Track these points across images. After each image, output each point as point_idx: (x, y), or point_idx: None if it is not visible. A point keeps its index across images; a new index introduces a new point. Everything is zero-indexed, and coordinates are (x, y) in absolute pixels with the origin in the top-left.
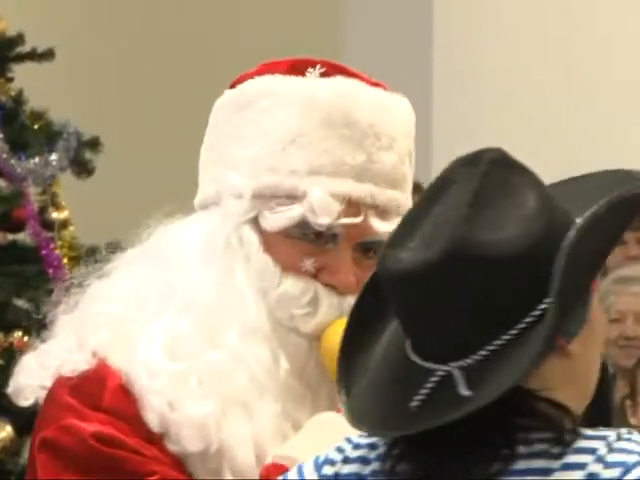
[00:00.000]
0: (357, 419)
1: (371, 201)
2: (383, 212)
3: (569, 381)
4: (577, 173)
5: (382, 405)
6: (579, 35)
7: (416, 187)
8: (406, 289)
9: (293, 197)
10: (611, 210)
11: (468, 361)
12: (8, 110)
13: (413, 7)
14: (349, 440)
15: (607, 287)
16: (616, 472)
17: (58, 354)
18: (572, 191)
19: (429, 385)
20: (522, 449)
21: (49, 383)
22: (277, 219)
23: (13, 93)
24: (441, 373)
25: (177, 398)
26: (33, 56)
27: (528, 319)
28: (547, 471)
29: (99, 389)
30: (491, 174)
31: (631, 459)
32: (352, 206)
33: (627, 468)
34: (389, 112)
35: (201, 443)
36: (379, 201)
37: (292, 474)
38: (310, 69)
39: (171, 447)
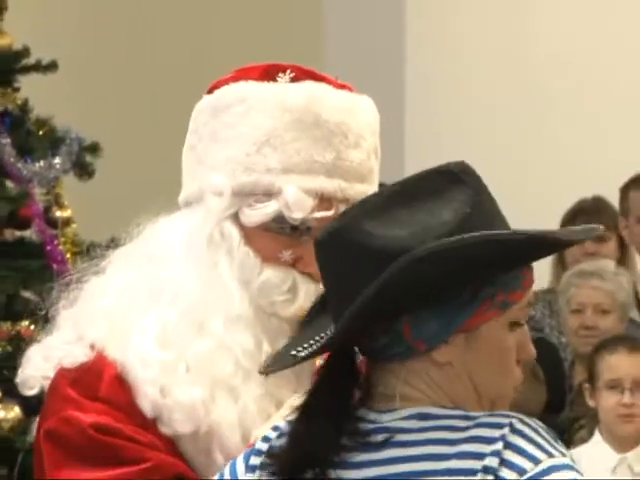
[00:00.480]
0: (268, 356)
1: (341, 195)
2: None
3: (451, 386)
4: (540, 180)
5: (289, 350)
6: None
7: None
8: (315, 253)
9: (269, 194)
10: (475, 244)
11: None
12: (15, 118)
13: (385, 10)
14: (275, 428)
15: (568, 280)
16: (515, 474)
17: (59, 347)
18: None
19: (311, 342)
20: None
21: (51, 374)
22: (255, 215)
23: (19, 102)
24: (329, 332)
25: (168, 385)
26: (38, 68)
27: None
28: (442, 456)
29: (96, 380)
30: (432, 180)
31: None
32: (324, 201)
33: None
34: (355, 112)
35: (191, 425)
36: (349, 195)
37: (226, 468)
38: (281, 74)
39: (164, 430)
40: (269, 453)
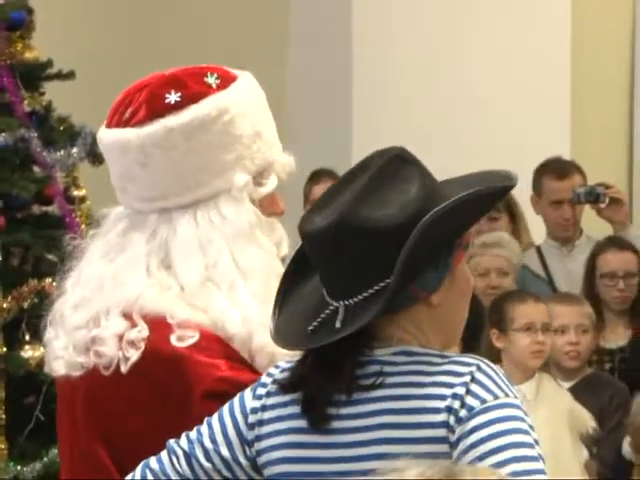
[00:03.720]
0: (276, 336)
1: None
2: None
3: (436, 326)
4: (478, 163)
5: (294, 327)
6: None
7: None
8: (311, 245)
9: (267, 169)
10: (466, 201)
11: (349, 301)
12: (40, 116)
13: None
14: (277, 366)
15: (473, 250)
16: (477, 402)
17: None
18: (460, 183)
19: (322, 315)
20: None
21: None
22: (268, 187)
23: (44, 103)
24: (332, 308)
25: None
26: (59, 76)
27: (390, 277)
28: (420, 384)
29: (213, 345)
30: (388, 167)
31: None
32: None
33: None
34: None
35: (269, 362)
36: None
37: (236, 398)
38: (209, 78)
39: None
40: (274, 381)
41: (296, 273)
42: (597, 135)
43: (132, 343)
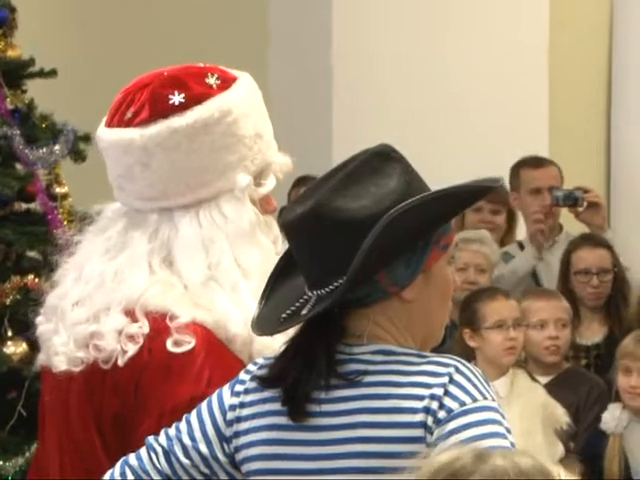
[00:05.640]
0: (254, 323)
1: None
2: None
3: (410, 323)
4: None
5: (273, 316)
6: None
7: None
8: (288, 234)
9: (267, 171)
10: (435, 199)
11: (322, 291)
12: (23, 113)
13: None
14: (255, 363)
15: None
16: (456, 404)
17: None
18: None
19: (296, 304)
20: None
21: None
22: (267, 187)
23: (26, 101)
24: (306, 297)
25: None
26: (41, 74)
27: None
28: (398, 384)
29: (210, 350)
30: (370, 162)
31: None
32: None
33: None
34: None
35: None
36: None
37: (214, 395)
38: (209, 79)
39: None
40: (253, 377)
41: (288, 265)
42: (575, 137)
43: (131, 337)
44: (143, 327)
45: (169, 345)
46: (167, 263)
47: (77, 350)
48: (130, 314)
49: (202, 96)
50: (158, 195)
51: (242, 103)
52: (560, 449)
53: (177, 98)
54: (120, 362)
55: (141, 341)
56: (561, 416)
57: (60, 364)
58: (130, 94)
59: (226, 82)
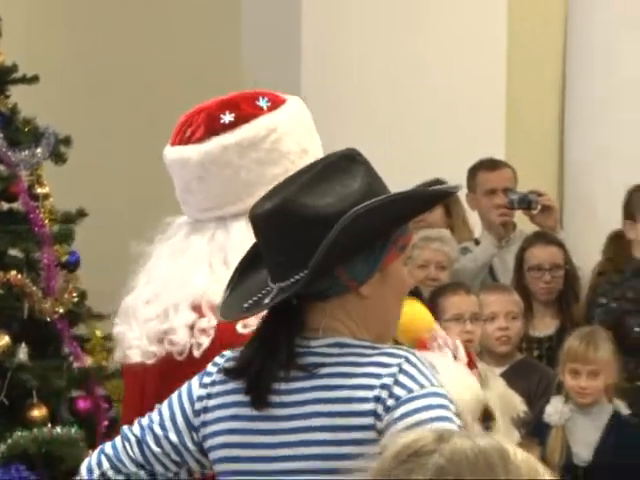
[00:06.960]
0: (220, 308)
1: None
2: None
3: (366, 317)
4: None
5: (238, 304)
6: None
7: None
8: (255, 227)
9: None
10: (394, 201)
11: (283, 284)
12: (6, 117)
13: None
14: (222, 355)
15: (415, 243)
16: (404, 392)
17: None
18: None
19: (259, 295)
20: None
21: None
22: None
23: (10, 106)
24: (268, 289)
25: None
26: (24, 80)
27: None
28: (351, 375)
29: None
30: (337, 163)
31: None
32: None
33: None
34: None
35: None
36: None
37: (183, 387)
38: (260, 102)
39: None
40: (219, 369)
41: (255, 258)
42: (530, 141)
43: (203, 331)
44: (211, 320)
45: (239, 327)
46: (225, 263)
47: (150, 344)
48: (197, 309)
49: (251, 116)
50: (213, 206)
51: (287, 122)
52: (516, 435)
53: (228, 117)
54: (196, 354)
55: (212, 333)
56: (518, 405)
57: (135, 356)
58: (190, 117)
59: (275, 104)
